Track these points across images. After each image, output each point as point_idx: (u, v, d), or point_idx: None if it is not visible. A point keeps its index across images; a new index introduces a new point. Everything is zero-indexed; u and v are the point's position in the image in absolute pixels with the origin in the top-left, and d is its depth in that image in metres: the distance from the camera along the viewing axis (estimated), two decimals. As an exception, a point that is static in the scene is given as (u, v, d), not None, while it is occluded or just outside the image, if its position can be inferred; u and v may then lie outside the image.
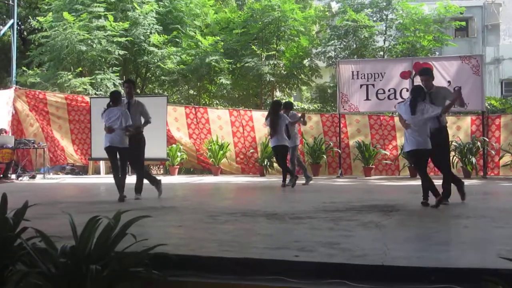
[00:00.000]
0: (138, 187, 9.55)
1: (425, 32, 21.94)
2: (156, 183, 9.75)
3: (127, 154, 9.39)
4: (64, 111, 18.61)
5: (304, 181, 13.12)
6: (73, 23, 19.91)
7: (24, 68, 21.44)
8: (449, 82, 16.17)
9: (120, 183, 9.29)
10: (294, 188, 11.89)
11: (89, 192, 9.45)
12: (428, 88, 8.42)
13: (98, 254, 3.65)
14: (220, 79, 21.45)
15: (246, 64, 21.36)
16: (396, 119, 16.23)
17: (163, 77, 22.46)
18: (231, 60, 21.64)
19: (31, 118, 18.39)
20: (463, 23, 25.24)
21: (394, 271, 3.73)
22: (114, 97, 9.42)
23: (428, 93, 8.23)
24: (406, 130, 8.02)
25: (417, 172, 8.39)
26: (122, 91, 12.69)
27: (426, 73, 8.72)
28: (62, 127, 18.69)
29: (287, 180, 12.35)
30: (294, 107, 16.81)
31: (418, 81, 15.86)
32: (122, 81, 17.84)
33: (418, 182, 8.61)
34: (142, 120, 9.75)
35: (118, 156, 9.34)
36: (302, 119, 13.07)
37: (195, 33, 22.17)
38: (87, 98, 18.42)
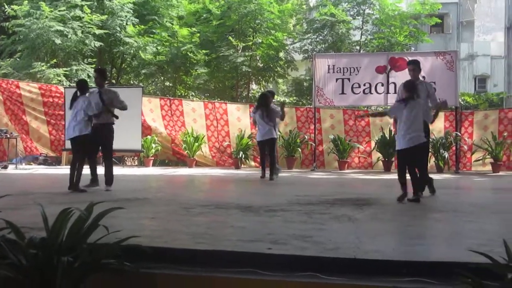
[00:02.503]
0: (108, 178, 9.31)
1: (400, 28, 22.10)
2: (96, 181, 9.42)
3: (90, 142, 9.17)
4: (38, 101, 18.33)
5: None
6: (49, 14, 19.65)
7: None
8: (423, 77, 16.25)
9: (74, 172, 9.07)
10: (271, 181, 11.80)
11: (61, 183, 9.30)
12: (415, 80, 8.46)
13: (70, 245, 3.61)
14: (196, 69, 21.38)
15: (222, 54, 21.30)
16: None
17: (140, 70, 22.31)
18: (207, 51, 21.54)
19: (3, 108, 18.09)
20: (439, 20, 25.51)
21: (366, 264, 3.75)
22: (79, 86, 9.28)
23: None
24: (398, 127, 7.64)
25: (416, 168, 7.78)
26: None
27: (414, 63, 8.72)
28: (35, 117, 18.40)
29: (267, 172, 12.29)
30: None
31: (393, 76, 16.24)
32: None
33: (390, 176, 8.67)
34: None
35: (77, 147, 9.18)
36: (281, 112, 12.40)
37: (172, 24, 22.04)
38: (61, 88, 18.24)
